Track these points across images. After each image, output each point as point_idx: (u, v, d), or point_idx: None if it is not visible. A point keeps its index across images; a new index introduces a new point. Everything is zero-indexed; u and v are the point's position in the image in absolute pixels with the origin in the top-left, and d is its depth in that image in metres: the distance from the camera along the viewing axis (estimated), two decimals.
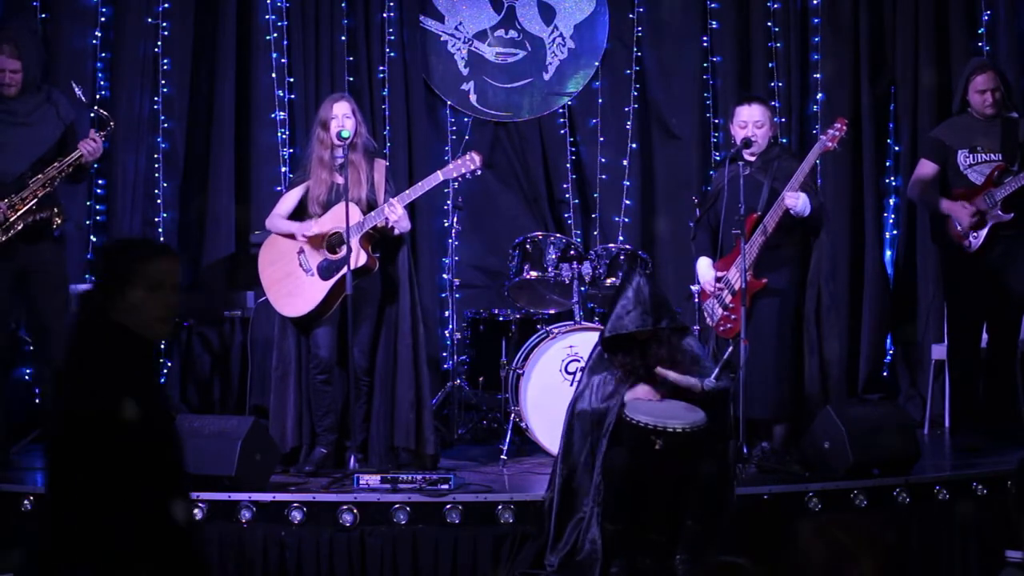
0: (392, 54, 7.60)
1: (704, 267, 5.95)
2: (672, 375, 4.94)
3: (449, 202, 7.05)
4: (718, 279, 5.87)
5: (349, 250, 5.62)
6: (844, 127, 5.76)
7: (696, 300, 6.15)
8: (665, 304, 5.02)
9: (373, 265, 5.85)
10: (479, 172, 6.00)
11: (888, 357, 7.60)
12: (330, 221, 5.85)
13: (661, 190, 7.84)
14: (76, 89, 5.71)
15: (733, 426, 5.31)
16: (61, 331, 5.79)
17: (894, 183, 7.59)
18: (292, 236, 5.92)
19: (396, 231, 5.87)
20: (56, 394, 2.96)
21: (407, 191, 5.88)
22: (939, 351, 6.92)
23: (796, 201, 5.64)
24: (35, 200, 5.56)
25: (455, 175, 5.94)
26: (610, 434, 4.88)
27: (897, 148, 7.57)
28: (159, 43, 7.32)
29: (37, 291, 5.72)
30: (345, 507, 5.15)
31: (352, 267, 5.63)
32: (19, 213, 5.55)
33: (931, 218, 6.46)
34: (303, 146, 6.84)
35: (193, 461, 5.32)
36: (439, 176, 5.89)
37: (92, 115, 7.16)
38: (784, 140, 7.04)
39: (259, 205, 7.23)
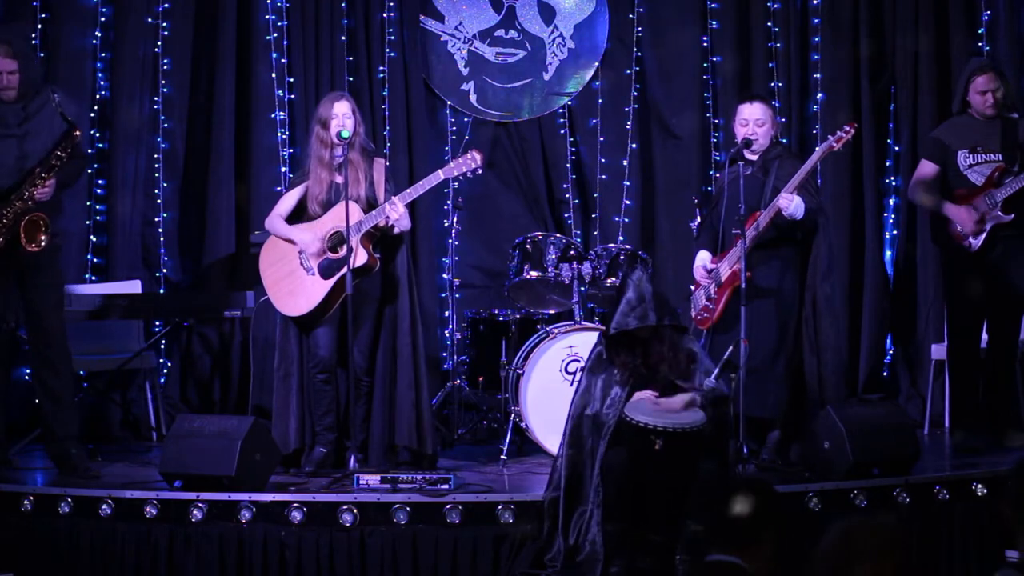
0: (392, 54, 7.59)
1: (700, 257, 5.98)
2: (672, 401, 4.96)
3: (449, 202, 7.06)
4: (709, 271, 5.90)
5: (349, 249, 5.61)
6: (852, 130, 5.76)
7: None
8: (666, 303, 5.04)
9: (374, 264, 5.85)
10: (480, 171, 6.00)
11: (888, 357, 7.59)
12: (330, 221, 5.85)
13: (661, 190, 7.83)
14: (55, 96, 5.66)
15: (733, 426, 5.32)
16: (56, 330, 5.79)
17: (894, 183, 7.59)
18: (290, 241, 5.93)
19: (396, 230, 5.87)
20: None
21: (408, 190, 5.88)
22: (939, 351, 6.91)
23: (788, 203, 5.64)
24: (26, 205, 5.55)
25: (456, 174, 5.94)
26: (610, 435, 4.88)
27: (897, 148, 7.57)
28: (159, 43, 7.32)
29: (32, 290, 5.72)
30: (345, 507, 5.15)
31: (352, 266, 5.63)
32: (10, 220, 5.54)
33: (931, 218, 6.46)
34: (303, 146, 6.84)
35: (193, 461, 5.35)
36: (440, 175, 5.89)
37: (92, 115, 7.22)
38: (784, 140, 7.04)
39: (259, 205, 7.22)
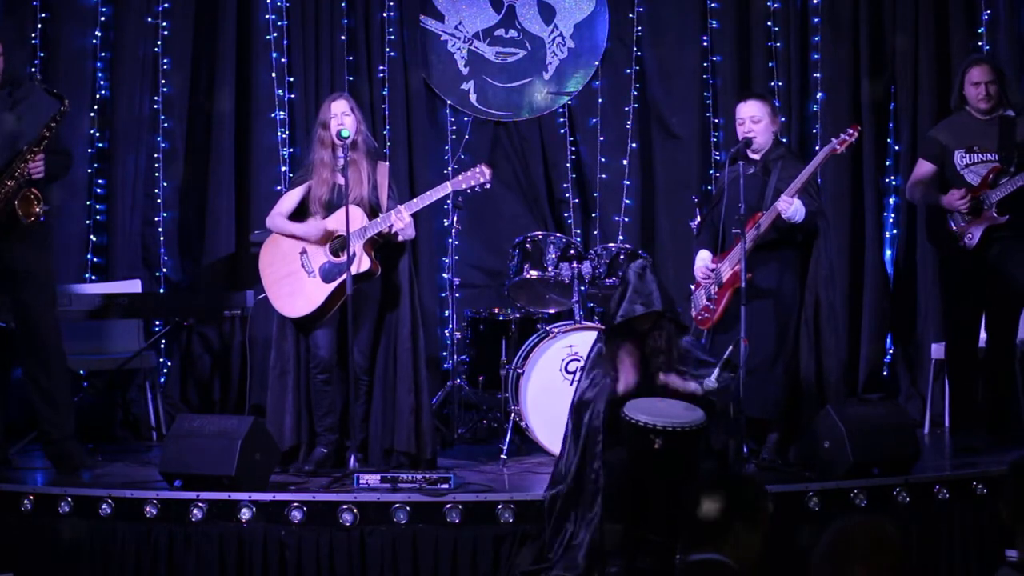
0: (392, 54, 7.59)
1: (700, 256, 5.98)
2: (675, 381, 4.96)
3: (449, 202, 7.05)
4: (710, 271, 5.90)
5: (351, 255, 5.61)
6: (856, 133, 5.75)
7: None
8: (669, 295, 5.06)
9: (376, 270, 5.84)
10: (488, 186, 5.95)
11: (888, 357, 7.60)
12: (333, 224, 5.84)
13: (661, 190, 7.83)
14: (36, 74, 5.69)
15: (733, 426, 5.32)
16: (49, 329, 5.79)
17: (894, 183, 7.59)
18: (295, 237, 5.92)
19: (401, 238, 5.85)
20: None
21: (415, 200, 5.87)
22: (939, 351, 6.91)
23: (788, 207, 5.64)
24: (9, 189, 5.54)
25: (464, 187, 5.91)
26: (608, 431, 4.89)
27: (897, 148, 7.56)
28: (159, 43, 7.32)
29: (23, 290, 5.72)
30: (345, 507, 5.15)
31: (355, 272, 5.62)
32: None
33: (927, 217, 6.46)
34: (303, 146, 6.84)
35: (193, 461, 5.35)
36: (448, 187, 5.88)
37: (92, 114, 7.22)
38: (784, 140, 7.04)
39: (259, 205, 7.23)
